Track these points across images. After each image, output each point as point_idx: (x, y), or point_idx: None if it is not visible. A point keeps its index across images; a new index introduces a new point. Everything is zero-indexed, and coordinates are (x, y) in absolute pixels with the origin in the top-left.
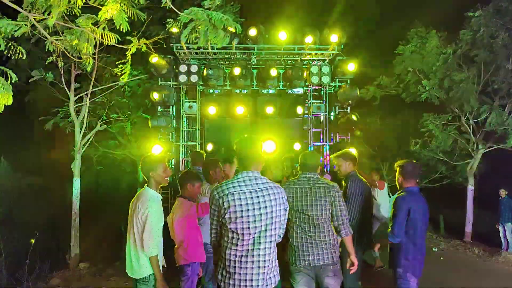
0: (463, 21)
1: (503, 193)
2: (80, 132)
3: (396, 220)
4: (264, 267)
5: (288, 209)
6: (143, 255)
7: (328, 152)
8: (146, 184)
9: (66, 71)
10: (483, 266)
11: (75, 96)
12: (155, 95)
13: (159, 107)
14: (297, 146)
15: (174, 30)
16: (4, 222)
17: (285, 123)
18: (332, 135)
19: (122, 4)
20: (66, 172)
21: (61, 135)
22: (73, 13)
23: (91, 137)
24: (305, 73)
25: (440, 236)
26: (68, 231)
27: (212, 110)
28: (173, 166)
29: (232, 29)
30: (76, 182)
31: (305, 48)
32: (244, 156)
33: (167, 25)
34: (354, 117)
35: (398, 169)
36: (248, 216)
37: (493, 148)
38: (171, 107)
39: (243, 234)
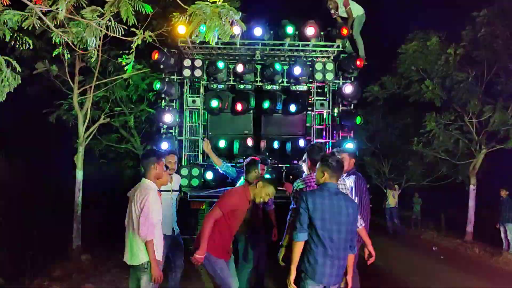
0: (467, 20)
1: (503, 193)
2: (84, 124)
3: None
4: None
5: None
6: (140, 241)
7: (331, 149)
8: (143, 177)
9: (70, 64)
10: (483, 265)
11: (78, 89)
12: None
13: (163, 101)
14: (300, 143)
15: (180, 26)
16: (6, 214)
17: (288, 120)
18: (335, 132)
19: None
20: (68, 164)
21: (64, 128)
22: (79, 5)
23: (94, 130)
24: (309, 70)
25: (441, 235)
26: (70, 223)
27: (215, 105)
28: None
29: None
30: (79, 174)
31: (310, 44)
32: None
33: (173, 19)
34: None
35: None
36: None
37: (495, 148)
38: (174, 101)
39: None
